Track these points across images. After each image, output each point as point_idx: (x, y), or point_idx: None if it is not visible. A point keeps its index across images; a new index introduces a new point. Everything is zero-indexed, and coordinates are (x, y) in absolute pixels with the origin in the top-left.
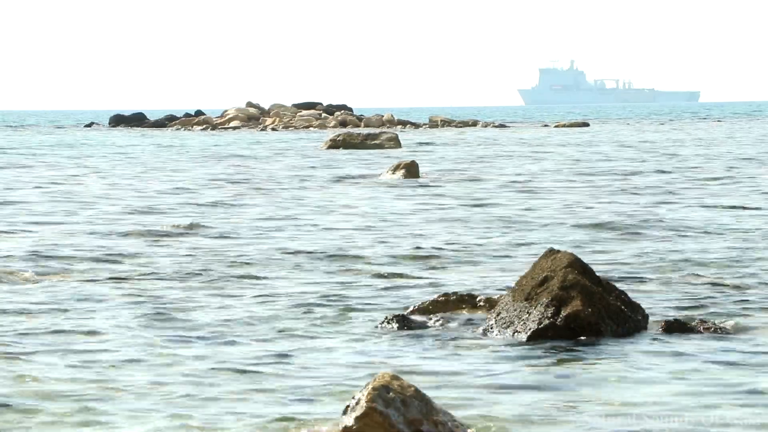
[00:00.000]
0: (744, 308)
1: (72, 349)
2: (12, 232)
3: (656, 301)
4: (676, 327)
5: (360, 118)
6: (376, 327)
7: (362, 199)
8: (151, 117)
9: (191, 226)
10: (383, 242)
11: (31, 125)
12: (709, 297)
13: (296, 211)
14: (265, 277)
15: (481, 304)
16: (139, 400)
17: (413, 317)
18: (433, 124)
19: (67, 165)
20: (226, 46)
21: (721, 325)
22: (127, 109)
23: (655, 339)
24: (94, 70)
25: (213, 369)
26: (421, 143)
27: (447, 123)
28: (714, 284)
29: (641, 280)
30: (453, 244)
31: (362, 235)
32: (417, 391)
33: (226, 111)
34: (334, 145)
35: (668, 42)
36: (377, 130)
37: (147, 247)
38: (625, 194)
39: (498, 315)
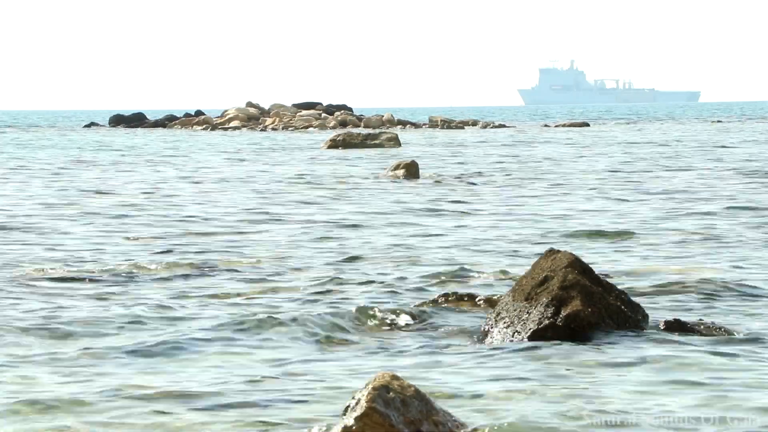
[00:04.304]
0: (744, 308)
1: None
2: None
3: (656, 301)
4: (676, 327)
5: (360, 118)
6: (377, 327)
7: (361, 199)
8: (151, 117)
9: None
10: (382, 242)
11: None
12: (710, 296)
13: (294, 211)
14: (264, 277)
15: (481, 304)
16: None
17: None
18: (433, 124)
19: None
20: (226, 46)
21: (721, 324)
22: (127, 109)
23: (655, 339)
24: (94, 70)
25: (211, 367)
26: (421, 143)
27: (447, 123)
28: (714, 284)
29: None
30: (452, 243)
31: (362, 234)
32: (417, 391)
33: (226, 111)
34: (334, 145)
35: (668, 42)
36: (377, 130)
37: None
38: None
39: (498, 315)
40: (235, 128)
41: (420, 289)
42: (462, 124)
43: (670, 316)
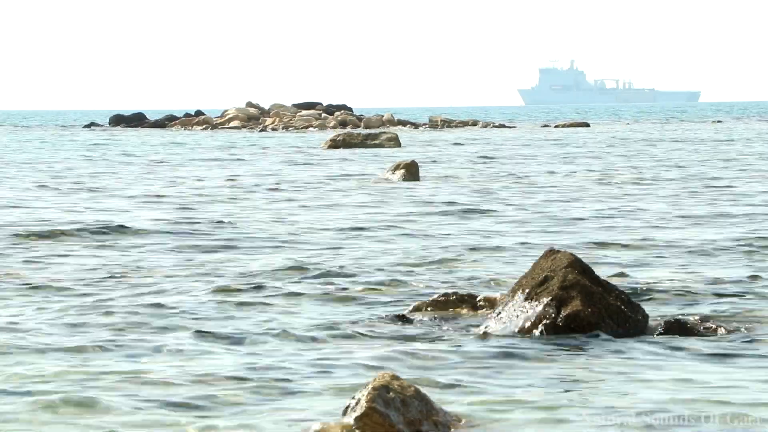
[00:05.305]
0: (745, 309)
1: None
2: None
3: (657, 302)
4: (676, 327)
5: (360, 118)
6: (376, 326)
7: (362, 199)
8: (151, 117)
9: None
10: (381, 242)
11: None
12: (710, 296)
13: (293, 211)
14: (265, 279)
15: (481, 304)
16: (137, 394)
17: (413, 317)
18: (433, 124)
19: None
20: (226, 46)
21: (721, 324)
22: (127, 109)
23: (655, 339)
24: (94, 70)
25: (211, 368)
26: (421, 143)
27: (447, 123)
28: (714, 283)
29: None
30: (452, 243)
31: (360, 235)
32: (417, 391)
33: (226, 111)
34: (334, 144)
35: (668, 42)
36: (377, 130)
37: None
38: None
39: (498, 315)
40: (234, 128)
41: (420, 289)
42: (462, 124)
43: (670, 317)
